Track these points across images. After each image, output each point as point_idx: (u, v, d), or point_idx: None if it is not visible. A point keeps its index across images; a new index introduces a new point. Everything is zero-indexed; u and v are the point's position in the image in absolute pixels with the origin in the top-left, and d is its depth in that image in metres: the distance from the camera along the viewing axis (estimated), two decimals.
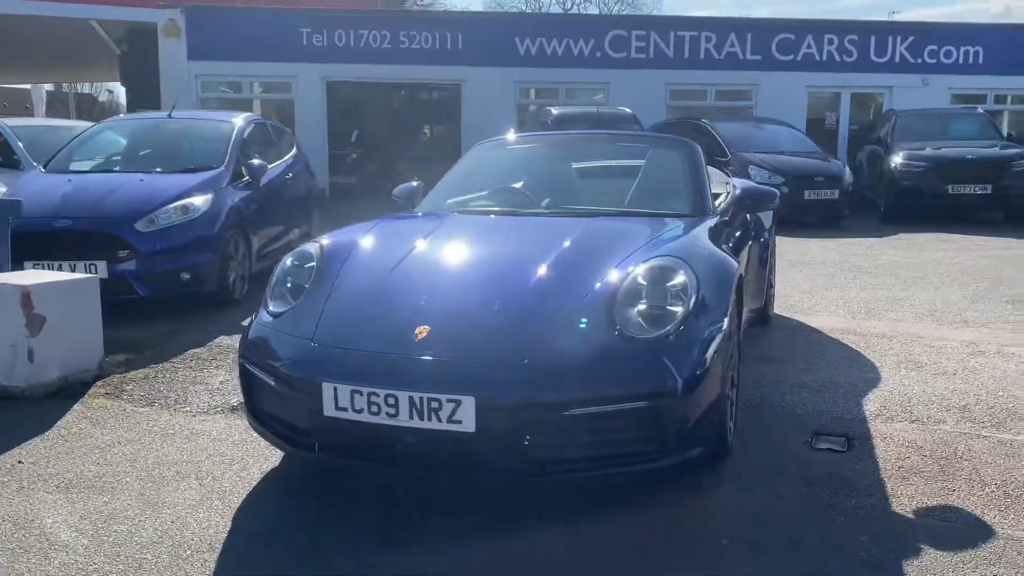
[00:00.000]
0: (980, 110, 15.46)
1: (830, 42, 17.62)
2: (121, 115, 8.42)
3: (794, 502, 2.98)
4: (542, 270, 3.08)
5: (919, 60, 17.85)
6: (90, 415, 3.93)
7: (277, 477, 3.25)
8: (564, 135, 5.59)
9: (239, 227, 6.33)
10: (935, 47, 17.85)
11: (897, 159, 12.74)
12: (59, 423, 3.82)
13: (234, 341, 5.16)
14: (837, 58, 17.67)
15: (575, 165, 4.51)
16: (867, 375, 4.46)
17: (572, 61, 16.96)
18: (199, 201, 5.94)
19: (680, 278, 2.92)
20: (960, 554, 2.61)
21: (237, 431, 3.70)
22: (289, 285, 3.29)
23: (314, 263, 3.33)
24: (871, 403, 4.00)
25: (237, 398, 4.11)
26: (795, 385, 4.26)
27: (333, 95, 17.15)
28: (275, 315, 3.16)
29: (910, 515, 2.88)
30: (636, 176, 4.27)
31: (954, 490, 3.06)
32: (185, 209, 5.83)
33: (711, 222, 3.76)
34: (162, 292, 5.76)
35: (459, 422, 2.59)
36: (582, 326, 2.79)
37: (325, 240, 3.52)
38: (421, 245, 3.40)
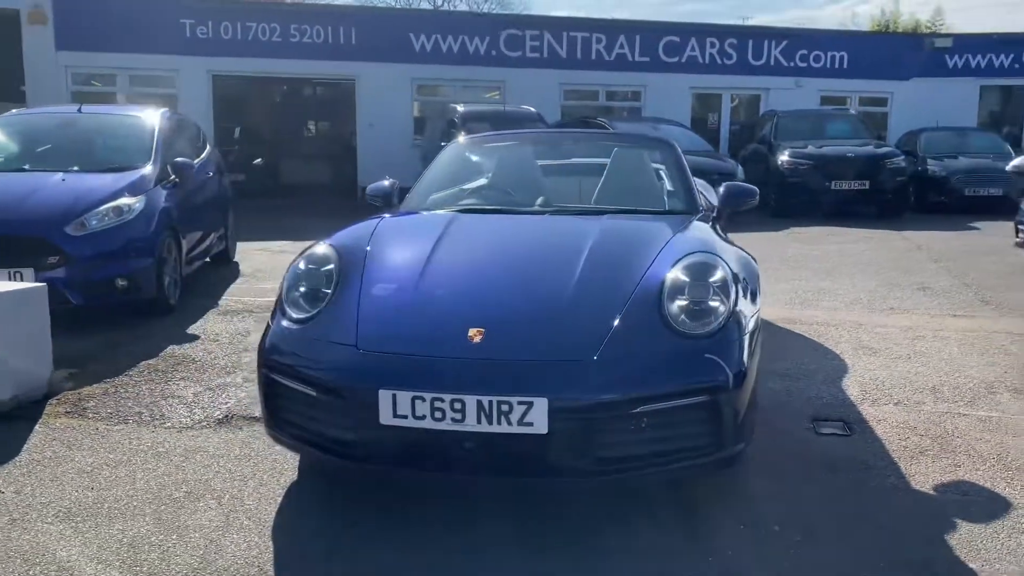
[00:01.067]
0: (851, 111, 16.59)
1: (712, 45, 18.39)
2: (17, 110, 7.68)
3: (824, 486, 3.10)
4: (580, 269, 3.05)
5: (792, 64, 18.91)
6: (59, 437, 3.59)
7: (303, 491, 3.09)
8: (541, 133, 5.58)
9: (171, 229, 5.95)
10: (806, 51, 18.96)
11: (783, 157, 13.51)
12: (26, 447, 3.48)
13: (187, 350, 4.88)
14: (719, 61, 18.46)
15: (548, 162, 4.50)
16: (833, 362, 4.70)
17: (468, 58, 16.94)
18: (133, 202, 5.53)
19: (720, 273, 2.97)
20: (991, 525, 2.79)
21: (235, 446, 3.49)
22: (304, 289, 3.13)
23: (332, 266, 3.17)
24: (851, 388, 4.22)
25: (220, 411, 3.89)
26: (772, 373, 4.43)
27: (219, 90, 16.40)
28: (299, 321, 2.99)
29: (932, 492, 3.06)
30: (618, 175, 4.30)
31: (959, 466, 3.28)
32: (119, 211, 5.42)
33: (707, 219, 3.86)
34: (96, 300, 5.34)
35: (530, 424, 2.53)
36: (636, 323, 2.79)
37: (334, 242, 3.37)
38: (443, 246, 3.30)
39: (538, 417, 2.53)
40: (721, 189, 4.17)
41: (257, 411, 3.62)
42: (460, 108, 13.26)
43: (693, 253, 3.09)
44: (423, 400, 2.58)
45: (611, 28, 17.79)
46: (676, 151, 4.44)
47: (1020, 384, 4.28)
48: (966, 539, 2.70)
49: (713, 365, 2.72)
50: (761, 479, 3.16)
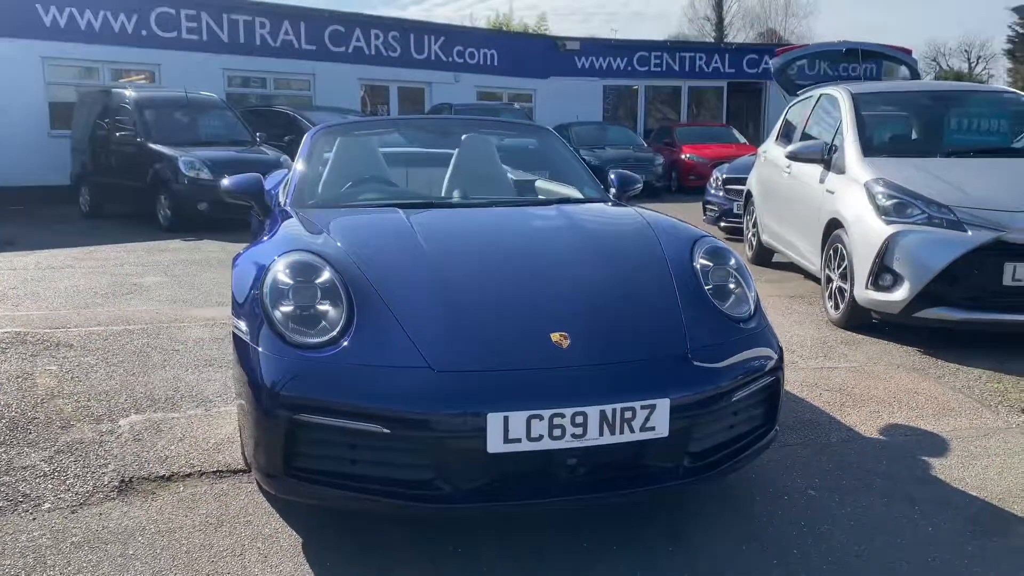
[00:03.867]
0: (518, 106, 17.78)
1: (376, 37, 18.44)
2: None
3: (794, 450, 3.34)
4: (602, 262, 2.89)
5: (451, 59, 19.73)
6: None
7: (324, 550, 2.51)
8: (420, 120, 5.05)
9: None
10: (462, 48, 19.91)
11: None
12: None
13: None
14: (384, 53, 18.57)
15: (438, 151, 4.16)
16: None
17: (114, 37, 14.91)
18: None
19: (733, 258, 3.03)
20: (949, 457, 3.25)
21: (180, 514, 2.71)
22: (292, 308, 2.54)
23: (327, 278, 2.61)
24: None
25: (106, 475, 3.00)
26: None
27: None
28: (316, 347, 2.42)
29: (883, 438, 3.47)
30: (512, 161, 4.13)
31: (876, 412, 3.75)
32: None
33: (624, 203, 3.89)
34: None
35: (652, 428, 2.35)
36: (696, 312, 2.72)
37: (306, 249, 2.77)
38: (436, 247, 2.89)
39: (660, 420, 2.35)
40: (612, 176, 4.22)
41: (162, 466, 3.04)
42: (130, 93, 11.59)
43: (702, 238, 3.10)
44: (540, 419, 2.26)
45: (275, 13, 16.90)
46: (558, 137, 4.38)
47: (847, 338, 5.00)
48: (944, 468, 3.11)
49: (768, 345, 2.77)
50: None
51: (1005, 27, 48.09)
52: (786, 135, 7.06)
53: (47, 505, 2.79)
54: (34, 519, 2.69)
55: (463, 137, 4.33)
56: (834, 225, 5.21)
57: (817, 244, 5.52)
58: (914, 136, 5.75)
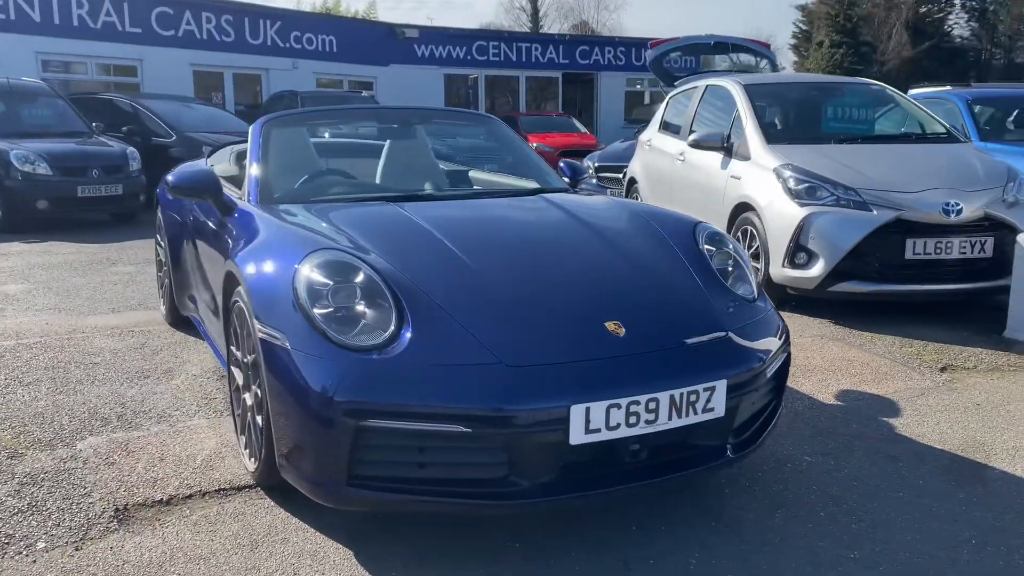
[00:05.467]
0: (366, 94, 17.37)
1: (208, 20, 17.43)
2: None
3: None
4: (616, 249, 2.93)
5: (288, 45, 18.99)
6: None
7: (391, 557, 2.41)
8: (368, 109, 4.74)
9: None
10: (299, 33, 19.22)
11: None
12: None
13: None
14: (218, 38, 17.58)
15: (395, 142, 4.01)
16: None
17: None
18: None
19: (731, 243, 3.17)
20: (903, 416, 3.59)
21: (220, 539, 2.50)
22: (331, 309, 2.41)
23: (365, 276, 2.48)
24: None
25: (99, 503, 2.71)
26: None
27: None
28: (370, 348, 2.31)
29: (841, 403, 3.77)
30: (472, 152, 4.08)
31: (824, 380, 4.06)
32: None
33: (583, 192, 3.95)
34: None
35: (712, 409, 2.43)
36: (717, 295, 2.83)
37: (337, 249, 2.62)
38: (449, 239, 2.82)
39: (718, 400, 2.45)
40: (563, 165, 4.26)
41: (155, 490, 2.83)
42: None
43: (699, 224, 3.21)
44: (619, 407, 2.28)
45: None
46: (506, 126, 4.36)
47: None
48: (905, 424, 3.44)
49: (780, 324, 2.93)
50: None
51: (790, 24, 52.53)
52: (669, 125, 7.40)
53: (41, 544, 2.48)
54: (34, 562, 2.39)
55: (393, 127, 4.23)
56: (743, 208, 5.54)
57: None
58: (804, 124, 6.21)
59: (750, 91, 6.12)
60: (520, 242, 3.01)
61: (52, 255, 7.73)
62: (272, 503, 2.73)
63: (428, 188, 3.67)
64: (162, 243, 4.93)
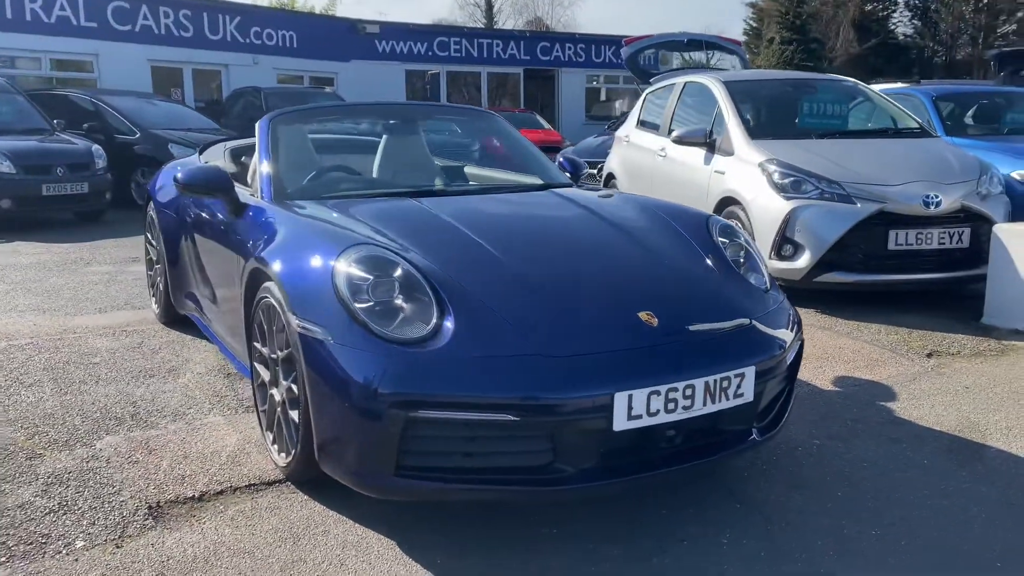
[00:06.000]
0: (329, 90, 17.23)
1: (166, 15, 17.14)
2: None
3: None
4: (633, 241, 3.01)
5: (248, 40, 18.74)
6: None
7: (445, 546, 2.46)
8: (373, 106, 4.72)
9: None
10: (259, 29, 18.97)
11: None
12: None
13: None
14: (176, 33, 17.29)
15: (394, 138, 4.03)
16: None
17: None
18: None
19: (741, 235, 3.26)
20: (899, 400, 3.74)
21: (262, 533, 2.52)
22: (372, 303, 2.45)
23: (404, 271, 2.52)
24: None
25: (130, 501, 2.71)
26: None
27: None
28: (415, 342, 2.35)
29: (839, 388, 3.91)
30: (467, 147, 4.12)
31: (820, 367, 4.19)
32: None
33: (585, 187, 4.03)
34: None
35: (742, 395, 2.53)
36: (735, 284, 2.92)
37: (372, 244, 2.65)
38: (475, 233, 2.87)
39: (748, 386, 2.54)
40: (563, 161, 4.32)
41: (184, 487, 2.84)
42: None
43: (710, 217, 3.31)
44: (658, 394, 2.36)
45: None
46: (505, 121, 4.40)
47: None
48: (900, 412, 3.59)
49: (792, 313, 3.04)
50: None
51: (741, 21, 53.27)
52: (647, 121, 7.52)
53: (80, 543, 2.47)
54: (76, 560, 2.38)
55: (390, 123, 4.25)
56: (728, 202, 5.67)
57: None
58: (783, 120, 6.38)
59: (730, 88, 6.25)
60: (543, 235, 3.08)
61: (22, 255, 7.57)
62: (305, 497, 2.75)
63: (439, 184, 3.71)
64: (154, 241, 4.88)
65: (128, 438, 3.22)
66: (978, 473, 3.03)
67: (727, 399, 2.50)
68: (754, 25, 51.70)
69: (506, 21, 50.40)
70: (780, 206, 5.16)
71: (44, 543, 2.47)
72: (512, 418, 2.27)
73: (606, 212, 3.32)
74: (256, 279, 2.97)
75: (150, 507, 2.68)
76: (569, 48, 24.47)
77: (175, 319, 4.77)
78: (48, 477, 2.88)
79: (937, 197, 5.02)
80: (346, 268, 2.51)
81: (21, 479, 2.86)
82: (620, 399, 2.31)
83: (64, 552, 2.42)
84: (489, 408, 2.27)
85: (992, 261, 4.87)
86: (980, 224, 5.11)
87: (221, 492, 2.80)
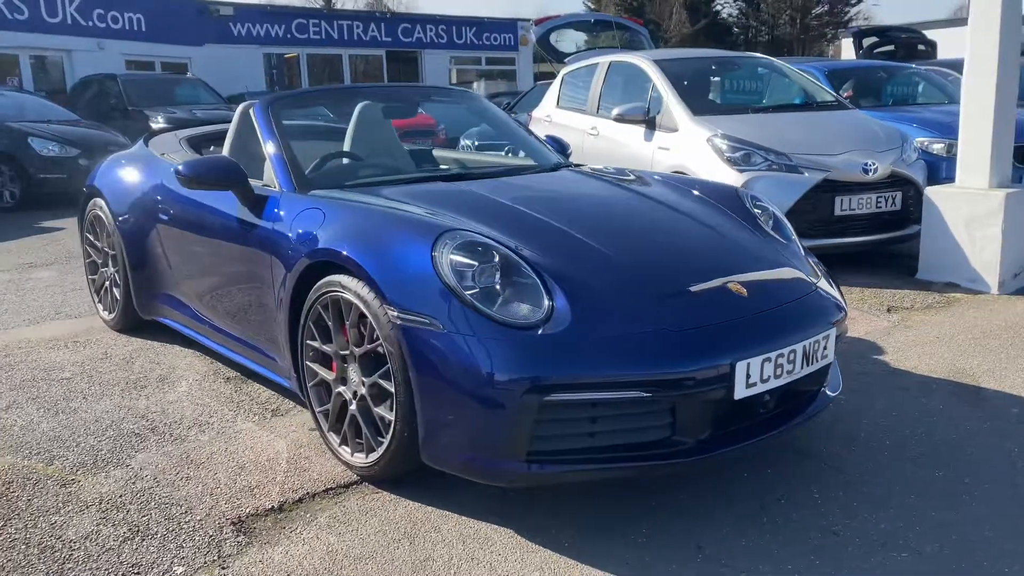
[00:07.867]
0: (190, 75, 16.21)
1: None
2: None
3: None
4: (681, 215, 3.08)
5: (91, 24, 17.42)
6: None
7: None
8: (364, 88, 4.38)
9: None
10: (103, 11, 17.65)
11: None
12: None
13: None
14: (8, 15, 15.78)
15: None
16: None
17: None
18: None
19: (769, 204, 3.39)
20: (888, 353, 4.03)
21: (368, 536, 2.39)
22: (478, 289, 2.39)
23: (502, 255, 2.46)
24: None
25: (209, 520, 2.51)
26: None
27: None
28: (537, 324, 2.30)
29: None
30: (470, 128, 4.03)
31: None
32: None
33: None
34: None
35: (827, 355, 2.66)
36: (787, 251, 3.05)
37: (466, 230, 2.56)
38: (544, 214, 2.85)
39: (831, 347, 2.68)
40: (549, 140, 4.31)
41: (259, 498, 2.71)
42: None
43: (739, 188, 3.42)
44: (770, 361, 2.45)
45: None
46: (488, 102, 4.33)
47: None
48: (896, 362, 3.88)
49: (829, 275, 3.20)
50: None
51: (580, 4, 54.41)
52: (568, 101, 7.60)
53: (180, 569, 2.27)
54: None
55: (359, 106, 4.12)
56: None
57: None
58: (716, 97, 6.63)
59: (662, 66, 6.43)
60: (606, 214, 3.08)
61: None
62: (393, 496, 2.65)
63: (454, 168, 3.62)
64: (100, 243, 4.47)
65: (164, 453, 2.97)
66: (985, 411, 3.32)
67: (817, 361, 2.62)
68: (591, 8, 52.97)
69: (344, 3, 49.11)
70: (734, 178, 5.38)
71: (137, 572, 2.25)
72: (644, 395, 2.28)
73: (641, 189, 3.37)
74: (309, 275, 2.80)
75: (233, 523, 2.49)
76: (431, 29, 24.27)
77: (134, 326, 4.40)
78: (99, 503, 2.61)
79: (874, 164, 5.41)
80: (449, 255, 2.42)
81: (68, 509, 2.58)
82: (740, 368, 2.37)
83: None
84: (622, 386, 2.28)
85: (925, 221, 5.31)
86: (908, 188, 5.55)
87: (300, 500, 2.64)
